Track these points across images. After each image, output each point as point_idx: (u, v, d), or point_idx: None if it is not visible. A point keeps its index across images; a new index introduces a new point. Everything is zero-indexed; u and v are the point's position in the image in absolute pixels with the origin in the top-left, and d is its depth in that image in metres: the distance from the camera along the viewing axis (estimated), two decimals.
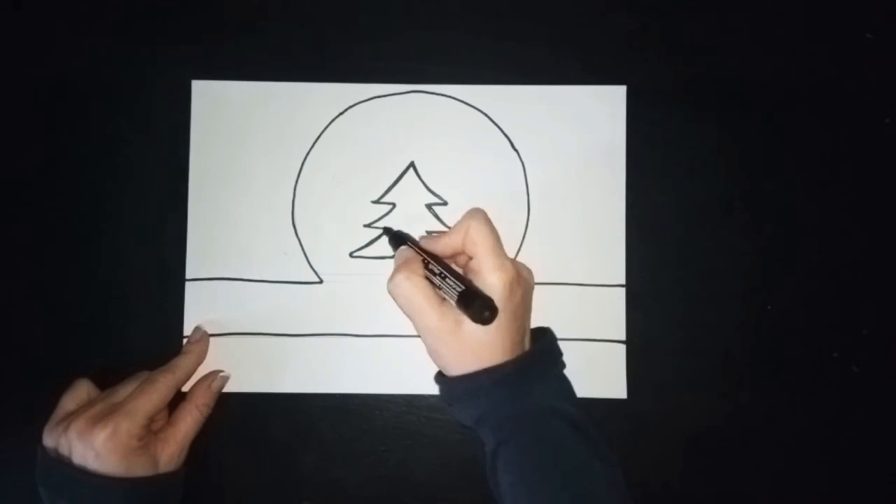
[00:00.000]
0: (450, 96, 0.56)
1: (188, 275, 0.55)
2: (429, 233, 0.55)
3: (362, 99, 0.56)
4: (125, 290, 0.55)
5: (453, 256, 0.50)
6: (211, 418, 0.52)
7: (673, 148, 0.55)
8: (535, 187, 0.55)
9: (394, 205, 0.55)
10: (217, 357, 0.54)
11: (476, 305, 0.44)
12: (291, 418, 0.54)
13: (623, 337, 0.54)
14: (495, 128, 0.55)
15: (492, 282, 0.45)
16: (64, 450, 0.47)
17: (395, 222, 0.55)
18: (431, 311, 0.46)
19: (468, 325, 0.45)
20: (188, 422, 0.50)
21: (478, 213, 0.48)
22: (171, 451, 0.49)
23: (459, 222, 0.48)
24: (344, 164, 0.55)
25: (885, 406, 0.54)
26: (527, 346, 0.48)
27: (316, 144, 0.56)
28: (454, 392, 0.47)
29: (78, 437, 0.46)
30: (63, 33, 0.56)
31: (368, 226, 0.55)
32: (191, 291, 0.55)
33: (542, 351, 0.48)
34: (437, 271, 0.47)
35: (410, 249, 0.50)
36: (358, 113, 0.56)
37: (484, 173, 0.55)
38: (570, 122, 0.55)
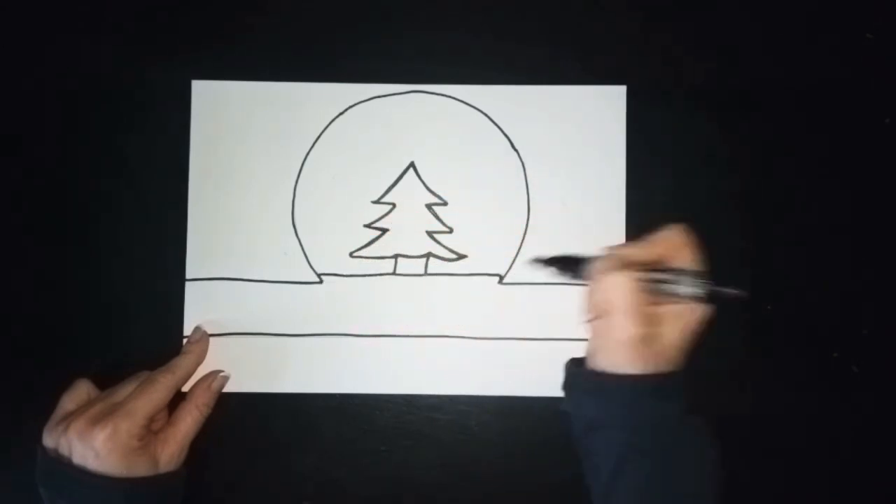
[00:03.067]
0: (450, 96, 0.56)
1: (188, 275, 0.55)
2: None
3: (362, 99, 0.56)
4: (125, 290, 0.55)
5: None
6: (211, 418, 0.52)
7: (673, 148, 0.55)
8: (535, 187, 0.55)
9: (394, 205, 0.55)
10: (217, 357, 0.54)
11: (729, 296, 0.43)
12: (291, 418, 0.54)
13: None
14: (495, 128, 0.55)
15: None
16: (64, 450, 0.47)
17: (395, 222, 0.55)
18: (638, 314, 0.43)
19: (670, 332, 0.44)
20: (188, 422, 0.50)
21: (678, 227, 0.46)
22: (171, 451, 0.49)
23: (659, 233, 0.46)
24: (344, 164, 0.55)
25: (885, 406, 0.54)
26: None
27: (316, 144, 0.56)
28: (610, 387, 0.44)
29: (78, 437, 0.46)
30: (63, 34, 0.56)
31: (368, 226, 0.55)
32: (191, 291, 0.55)
33: (680, 374, 0.46)
34: (665, 280, 0.44)
35: (624, 249, 0.46)
36: (358, 113, 0.56)
37: (484, 173, 0.55)
38: (570, 122, 0.55)
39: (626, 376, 0.43)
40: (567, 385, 0.48)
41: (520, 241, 0.55)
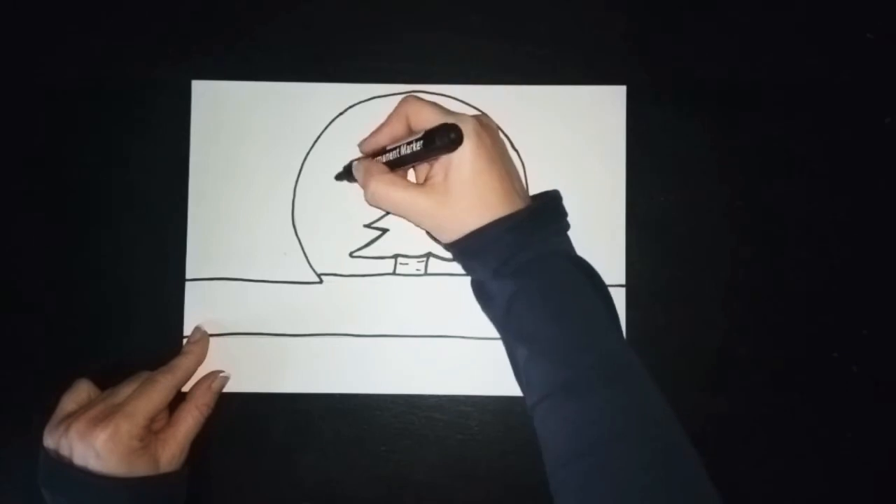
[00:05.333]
0: (450, 96, 0.56)
1: (188, 275, 0.55)
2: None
3: (362, 99, 0.56)
4: (125, 290, 0.55)
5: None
6: (211, 418, 0.52)
7: (673, 148, 0.55)
8: (535, 187, 0.55)
9: None
10: (217, 357, 0.54)
11: (439, 134, 0.44)
12: (291, 418, 0.54)
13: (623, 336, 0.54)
14: None
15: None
16: (65, 451, 0.47)
17: (396, 222, 0.55)
18: (416, 193, 0.47)
19: (455, 188, 0.45)
20: (189, 422, 0.50)
21: (409, 97, 0.49)
22: (171, 451, 0.49)
23: (394, 110, 0.50)
24: (344, 163, 0.55)
25: (885, 406, 0.54)
26: (526, 196, 0.48)
27: (316, 144, 0.56)
28: (470, 247, 0.47)
29: (78, 437, 0.46)
30: (63, 34, 0.56)
31: (368, 226, 0.55)
32: (191, 291, 0.55)
33: (549, 201, 0.49)
34: (394, 150, 0.48)
35: (364, 160, 0.51)
36: (358, 113, 0.56)
37: None
38: (570, 122, 0.55)
39: (477, 230, 0.46)
40: (457, 260, 0.50)
41: None
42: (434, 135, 0.45)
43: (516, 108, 0.55)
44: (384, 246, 0.55)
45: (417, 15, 0.56)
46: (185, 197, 0.55)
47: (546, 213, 0.48)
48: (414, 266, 0.55)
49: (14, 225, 0.55)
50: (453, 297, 0.55)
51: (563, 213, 0.50)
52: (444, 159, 0.46)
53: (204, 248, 0.55)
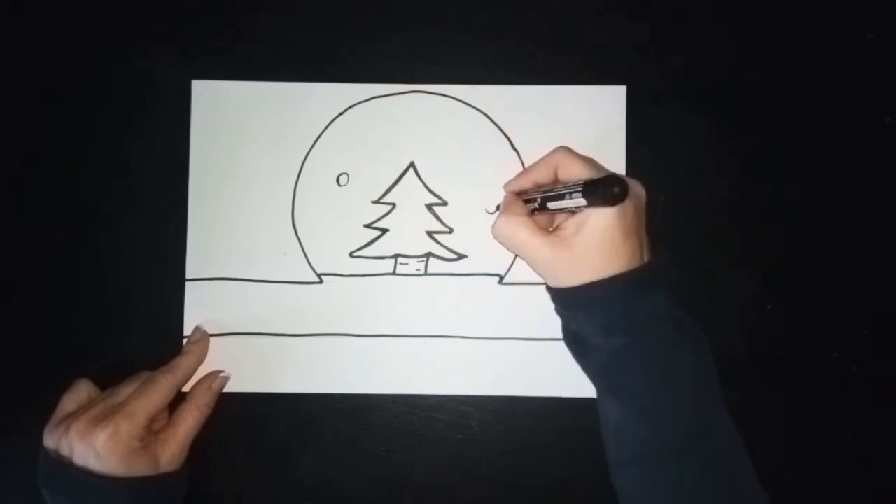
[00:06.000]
0: (450, 96, 0.56)
1: (188, 275, 0.55)
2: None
3: (362, 99, 0.56)
4: (125, 290, 0.55)
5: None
6: (211, 418, 0.52)
7: (673, 148, 0.55)
8: None
9: (394, 205, 0.55)
10: (217, 357, 0.54)
11: (603, 187, 0.43)
12: (291, 418, 0.54)
13: None
14: (495, 128, 0.55)
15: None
16: (65, 451, 0.47)
17: (395, 222, 0.55)
18: (540, 242, 0.47)
19: (583, 246, 0.45)
20: (189, 422, 0.50)
21: (563, 148, 0.49)
22: (171, 451, 0.49)
23: (544, 157, 0.49)
24: (344, 164, 0.55)
25: (885, 406, 0.54)
26: (646, 260, 0.48)
27: (316, 144, 0.56)
28: (580, 298, 0.46)
29: (79, 437, 0.46)
30: (63, 34, 0.56)
31: (368, 226, 0.55)
32: (191, 291, 0.55)
33: (664, 263, 0.49)
34: (544, 194, 0.47)
35: (509, 196, 0.51)
36: (358, 113, 0.56)
37: (484, 173, 0.55)
38: (570, 122, 0.55)
39: (594, 283, 0.46)
40: (560, 309, 0.50)
41: None
42: (598, 186, 0.43)
43: (516, 108, 0.55)
44: (384, 246, 0.55)
45: (417, 15, 0.56)
46: (185, 197, 0.55)
47: (658, 274, 0.47)
48: (414, 266, 0.55)
49: (14, 225, 0.55)
50: (453, 297, 0.55)
51: (670, 274, 0.49)
52: (584, 215, 0.45)
53: (204, 248, 0.55)
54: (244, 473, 0.54)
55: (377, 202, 0.55)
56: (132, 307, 0.55)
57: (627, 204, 0.45)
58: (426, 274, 0.55)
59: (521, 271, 0.54)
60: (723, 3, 0.56)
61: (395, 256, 0.55)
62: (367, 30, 0.56)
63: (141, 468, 0.47)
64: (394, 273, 0.55)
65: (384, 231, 0.55)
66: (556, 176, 0.49)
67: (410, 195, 0.55)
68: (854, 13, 0.56)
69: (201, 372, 0.53)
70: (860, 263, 0.55)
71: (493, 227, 0.49)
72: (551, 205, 0.47)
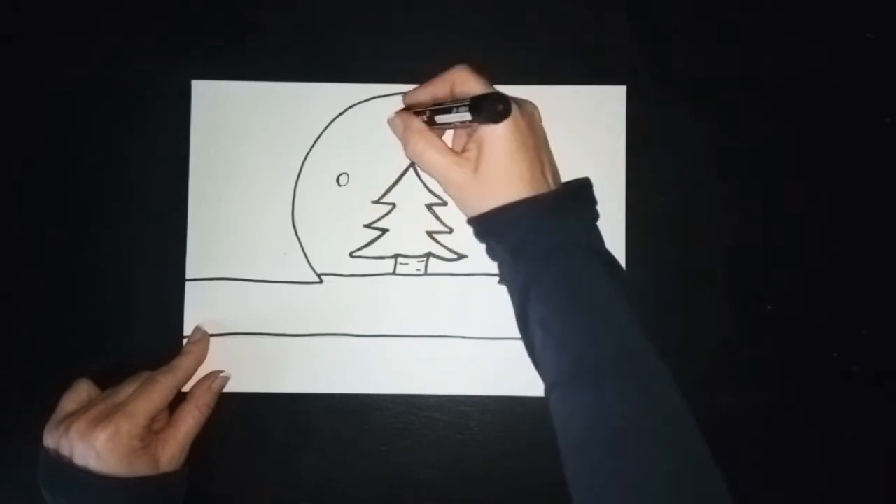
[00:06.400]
0: None
1: (188, 275, 0.55)
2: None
3: (362, 99, 0.56)
4: (125, 290, 0.55)
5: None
6: (211, 418, 0.52)
7: (673, 148, 0.55)
8: None
9: (394, 205, 0.55)
10: (217, 357, 0.54)
11: (487, 104, 0.44)
12: (291, 418, 0.54)
13: None
14: None
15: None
16: (65, 451, 0.47)
17: (395, 222, 0.55)
18: (450, 163, 0.47)
19: (486, 165, 0.46)
20: (189, 422, 0.50)
21: (461, 65, 0.49)
22: (171, 451, 0.49)
23: (443, 74, 0.49)
24: (344, 164, 0.55)
25: (885, 406, 0.54)
26: (558, 185, 0.48)
27: (316, 144, 0.56)
28: (491, 224, 0.47)
29: (79, 437, 0.46)
30: (63, 34, 0.56)
31: (368, 226, 0.55)
32: (191, 291, 0.55)
33: (578, 188, 0.49)
34: (438, 109, 0.48)
35: (403, 114, 0.51)
36: (358, 113, 0.56)
37: None
38: (570, 122, 0.55)
39: (500, 208, 0.46)
40: (477, 236, 0.50)
41: None
42: (482, 102, 0.44)
43: None
44: (384, 246, 0.55)
45: (417, 15, 0.56)
46: (185, 197, 0.55)
47: (570, 200, 0.48)
48: (414, 266, 0.55)
49: (14, 224, 0.55)
50: (453, 297, 0.55)
51: (591, 202, 0.50)
52: (480, 135, 0.46)
53: (204, 248, 0.55)
54: (244, 473, 0.54)
55: (377, 202, 0.55)
56: (132, 307, 0.55)
57: (519, 121, 0.46)
58: (426, 274, 0.55)
59: None
60: (723, 3, 0.56)
61: (395, 256, 0.55)
62: (367, 30, 0.56)
63: (141, 468, 0.47)
64: (394, 273, 0.55)
65: (384, 231, 0.55)
66: (452, 95, 0.49)
67: (410, 195, 0.55)
68: (854, 13, 0.56)
69: (201, 372, 0.53)
70: (860, 263, 0.55)
71: (406, 146, 0.49)
72: (439, 118, 0.48)
